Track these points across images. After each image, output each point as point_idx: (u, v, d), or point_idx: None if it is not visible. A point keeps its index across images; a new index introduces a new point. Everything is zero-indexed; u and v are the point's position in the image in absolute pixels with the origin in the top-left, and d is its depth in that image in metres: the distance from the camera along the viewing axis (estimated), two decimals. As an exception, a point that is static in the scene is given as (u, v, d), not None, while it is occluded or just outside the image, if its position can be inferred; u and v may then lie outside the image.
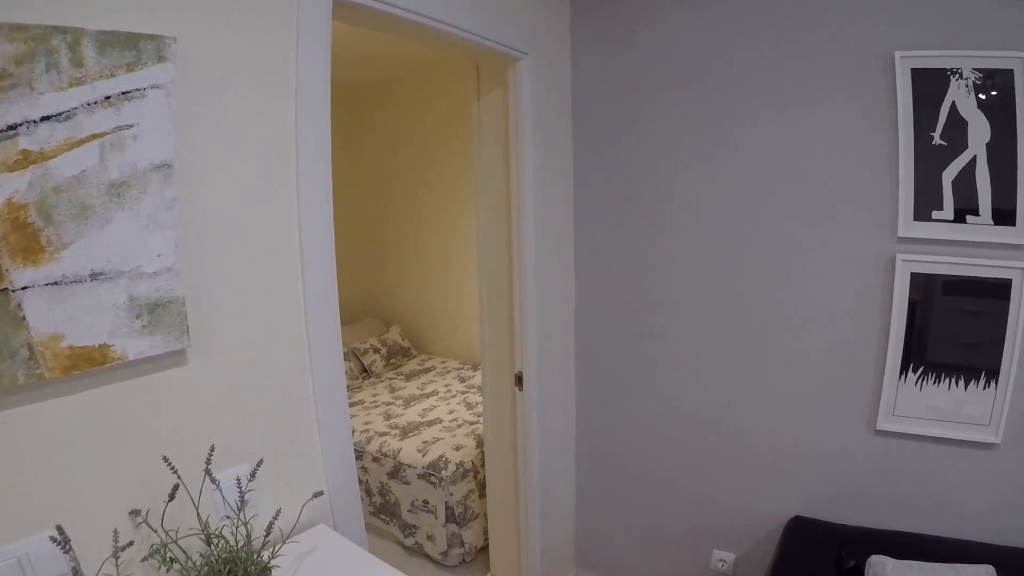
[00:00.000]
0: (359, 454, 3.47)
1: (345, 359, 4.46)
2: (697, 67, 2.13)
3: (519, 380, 2.38)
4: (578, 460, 2.76)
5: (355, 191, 5.43)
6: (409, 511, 3.29)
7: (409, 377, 4.59)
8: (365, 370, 4.72)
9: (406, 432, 3.52)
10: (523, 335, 2.32)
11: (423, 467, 3.18)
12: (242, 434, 1.42)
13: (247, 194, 1.39)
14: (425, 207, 4.90)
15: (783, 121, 2.00)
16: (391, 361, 4.83)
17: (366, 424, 3.69)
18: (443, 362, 4.90)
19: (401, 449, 3.33)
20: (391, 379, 4.57)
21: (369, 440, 3.48)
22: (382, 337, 4.92)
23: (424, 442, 3.37)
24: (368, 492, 3.48)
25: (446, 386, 4.31)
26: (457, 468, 3.15)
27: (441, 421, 3.67)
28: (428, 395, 4.15)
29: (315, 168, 1.51)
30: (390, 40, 3.83)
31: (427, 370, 4.73)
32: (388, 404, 4.02)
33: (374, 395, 4.23)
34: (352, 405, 4.05)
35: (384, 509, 3.42)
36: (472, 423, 3.61)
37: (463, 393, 4.15)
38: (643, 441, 2.51)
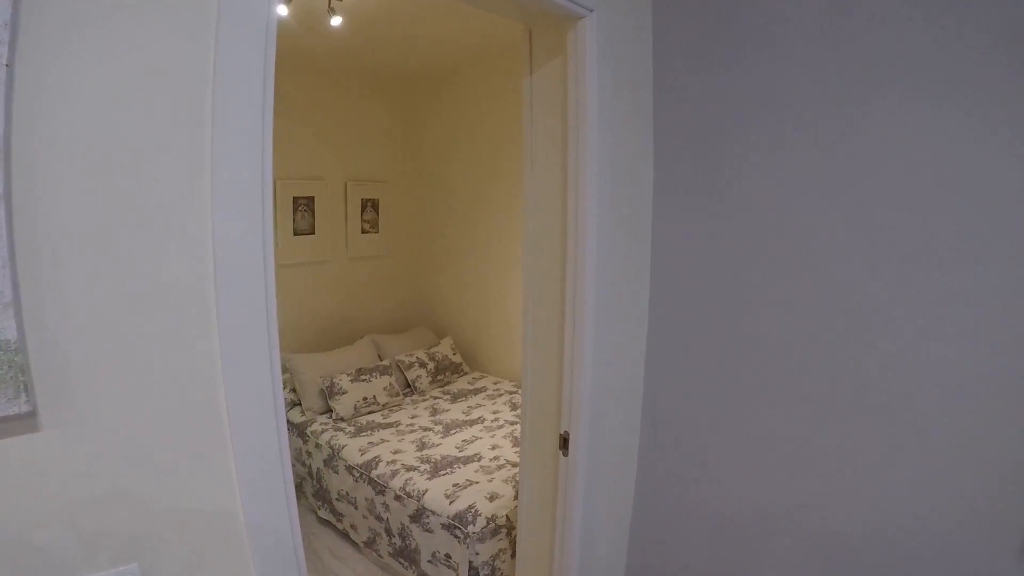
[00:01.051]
0: (380, 488, 3.02)
1: (387, 372, 4.03)
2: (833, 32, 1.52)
3: (564, 443, 1.84)
4: (630, 552, 2.19)
5: (411, 186, 5.03)
6: (429, 562, 2.81)
7: (456, 398, 4.12)
8: (409, 385, 4.28)
9: (437, 469, 3.04)
10: (573, 385, 1.78)
11: (449, 517, 2.69)
12: (121, 525, 0.96)
13: (126, 192, 0.93)
14: (489, 207, 4.43)
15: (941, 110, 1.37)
16: (438, 378, 4.37)
17: (395, 454, 3.23)
18: (496, 383, 4.40)
19: (427, 491, 2.85)
20: (435, 399, 4.12)
21: (394, 475, 3.02)
22: (431, 350, 4.47)
23: (455, 485, 2.88)
24: (388, 532, 3.02)
25: (494, 413, 3.81)
26: (488, 523, 2.64)
27: (480, 459, 3.17)
28: (472, 422, 3.67)
29: (241, 154, 1.03)
30: (443, 20, 3.38)
31: (477, 391, 4.25)
32: (425, 431, 3.56)
33: (412, 417, 3.78)
34: (386, 427, 3.61)
35: (403, 553, 2.95)
36: (515, 465, 3.09)
37: (511, 424, 3.63)
38: (720, 544, 1.92)
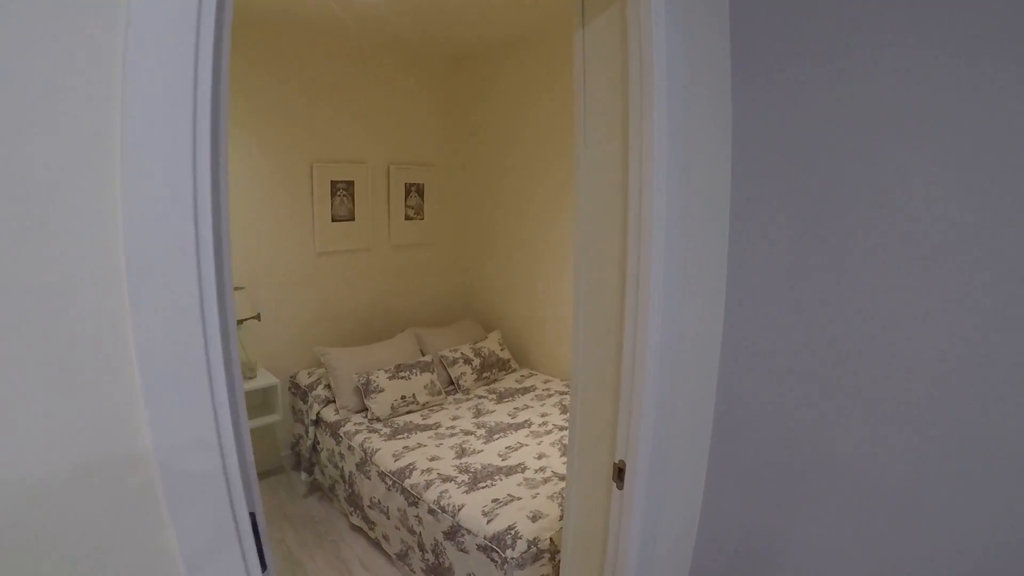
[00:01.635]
0: (414, 500, 2.74)
1: (428, 369, 3.76)
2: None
3: (619, 473, 1.51)
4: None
5: (458, 171, 4.74)
6: (466, 585, 2.52)
7: (502, 397, 3.82)
8: (452, 383, 4.01)
9: (476, 481, 2.75)
10: (633, 405, 1.44)
11: (486, 538, 2.40)
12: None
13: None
14: (543, 194, 4.10)
15: None
16: (484, 375, 4.08)
17: (431, 461, 2.95)
18: (546, 381, 4.09)
19: (463, 506, 2.56)
20: (480, 398, 3.83)
21: (429, 485, 2.74)
22: (477, 345, 4.18)
23: (494, 500, 2.58)
24: (420, 547, 2.74)
25: (542, 417, 3.50)
26: (529, 547, 2.33)
27: (524, 469, 2.87)
28: (518, 426, 3.36)
29: (168, 137, 0.73)
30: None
31: (525, 390, 3.94)
32: (466, 435, 3.27)
33: (454, 419, 3.50)
34: (424, 429, 3.34)
35: (437, 571, 2.67)
36: (563, 479, 2.78)
37: (561, 430, 3.31)
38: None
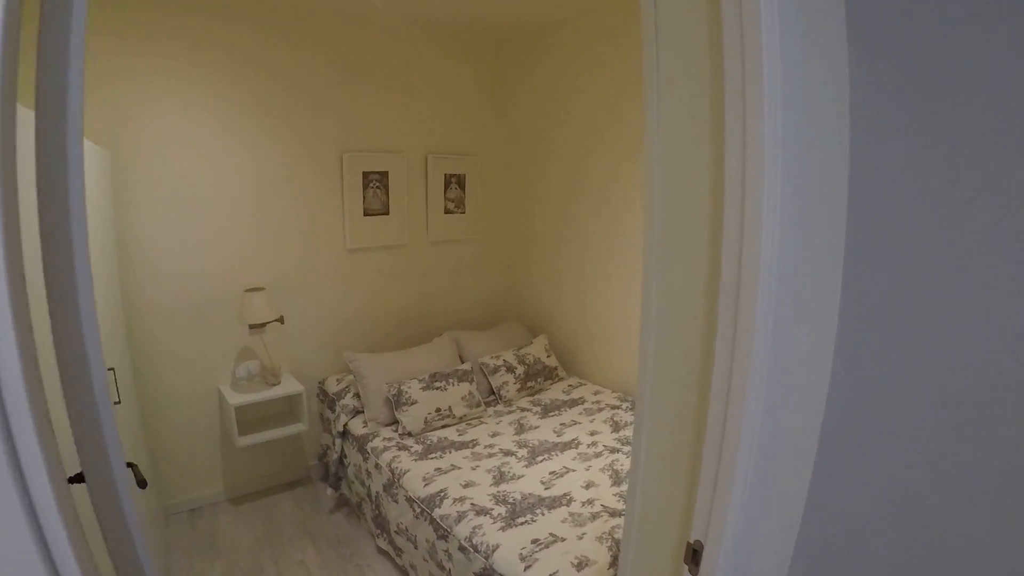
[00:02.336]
0: (443, 533, 2.42)
1: (467, 379, 3.43)
2: None
3: (693, 556, 1.13)
4: None
5: (503, 161, 4.40)
6: (501, 639, 2.19)
7: (547, 411, 3.47)
8: (493, 393, 3.67)
9: (514, 515, 2.41)
10: (720, 472, 1.05)
11: (524, 588, 2.06)
12: None
13: None
14: (591, 188, 3.72)
15: None
16: (528, 384, 3.73)
17: (465, 488, 2.63)
18: (596, 393, 3.71)
19: (499, 547, 2.22)
20: (523, 411, 3.48)
21: (461, 518, 2.42)
22: (521, 351, 3.83)
23: (534, 541, 2.24)
24: (453, 588, 2.42)
25: (591, 436, 3.13)
26: (574, 604, 1.98)
27: (570, 501, 2.52)
28: (564, 447, 3.01)
29: None
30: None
31: (573, 402, 3.58)
32: (507, 455, 2.93)
33: (493, 435, 3.16)
34: (460, 447, 3.02)
35: (471, 619, 2.34)
36: (615, 513, 2.41)
37: (612, 452, 2.94)
38: None
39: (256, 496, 3.69)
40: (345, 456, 3.38)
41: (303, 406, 3.45)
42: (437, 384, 3.31)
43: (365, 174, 3.69)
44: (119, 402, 2.56)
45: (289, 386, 3.45)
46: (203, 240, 3.31)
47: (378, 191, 3.76)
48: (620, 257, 3.58)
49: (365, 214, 3.74)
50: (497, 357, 3.74)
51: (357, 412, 3.40)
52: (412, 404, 3.18)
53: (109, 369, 2.52)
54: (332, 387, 3.62)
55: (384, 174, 3.77)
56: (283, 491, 3.75)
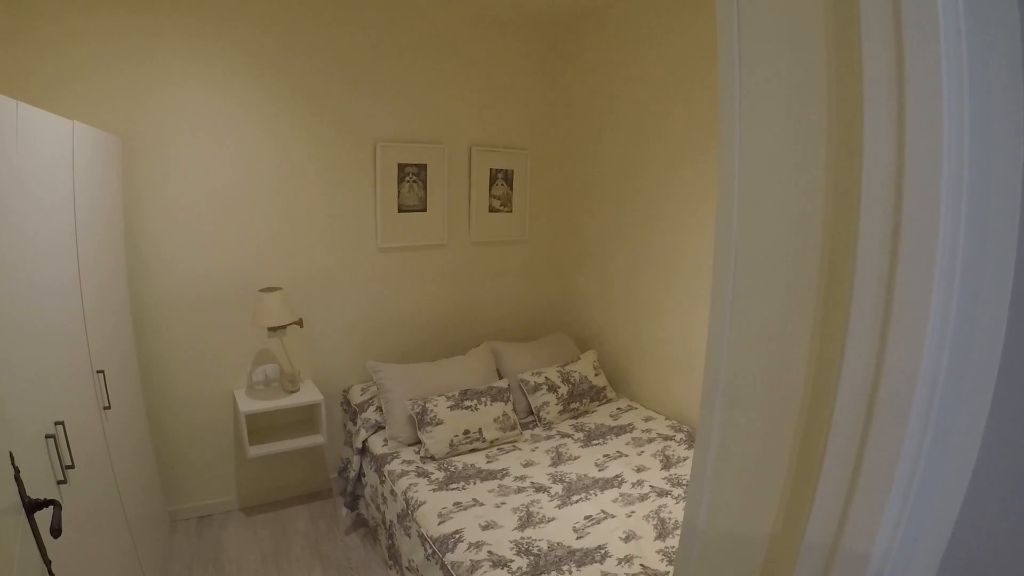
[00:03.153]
0: (455, 587, 2.09)
1: (502, 398, 3.10)
2: None
3: None
4: None
5: (555, 155, 4.04)
6: None
7: (590, 438, 3.10)
8: (532, 413, 3.33)
9: (537, 570, 2.06)
10: (855, 485, 0.67)
11: (539, 672, 1.71)
12: None
13: None
14: (645, 191, 3.33)
15: None
16: (572, 406, 3.37)
17: (485, 529, 2.30)
18: (647, 419, 3.32)
19: (514, 612, 1.88)
20: (564, 436, 3.13)
21: (475, 569, 2.09)
22: (566, 368, 3.47)
23: (557, 609, 1.88)
24: (463, 650, 2.09)
25: (638, 472, 2.75)
26: None
27: (606, 555, 2.16)
28: (605, 484, 2.64)
29: None
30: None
31: (620, 430, 3.20)
32: (538, 491, 2.59)
33: (526, 464, 2.82)
34: (487, 478, 2.71)
35: None
36: (659, 578, 2.04)
37: (660, 495, 2.55)
38: None
39: (270, 507, 3.46)
40: (363, 475, 3.09)
41: (322, 417, 3.18)
42: (468, 403, 2.98)
43: (401, 166, 3.40)
44: (109, 407, 2.35)
45: (308, 395, 3.20)
46: (220, 233, 3.09)
47: (415, 185, 3.47)
48: (679, 269, 3.17)
49: (400, 210, 3.46)
50: (539, 374, 3.39)
51: (379, 428, 3.11)
52: (437, 424, 2.87)
53: (98, 372, 2.30)
54: (356, 397, 3.35)
55: (422, 167, 3.47)
56: (299, 504, 3.51)
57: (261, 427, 3.29)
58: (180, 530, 3.24)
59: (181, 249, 3.02)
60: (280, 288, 3.10)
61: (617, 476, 2.72)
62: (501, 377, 3.43)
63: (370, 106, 3.31)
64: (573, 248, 4.03)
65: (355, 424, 3.24)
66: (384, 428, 3.07)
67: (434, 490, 2.58)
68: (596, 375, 3.56)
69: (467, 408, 2.96)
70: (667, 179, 3.17)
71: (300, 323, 3.19)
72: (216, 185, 3.04)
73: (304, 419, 3.41)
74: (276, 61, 3.06)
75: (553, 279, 4.20)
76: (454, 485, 2.62)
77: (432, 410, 2.90)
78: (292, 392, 3.21)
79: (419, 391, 3.04)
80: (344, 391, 3.48)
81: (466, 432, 2.91)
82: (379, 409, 3.15)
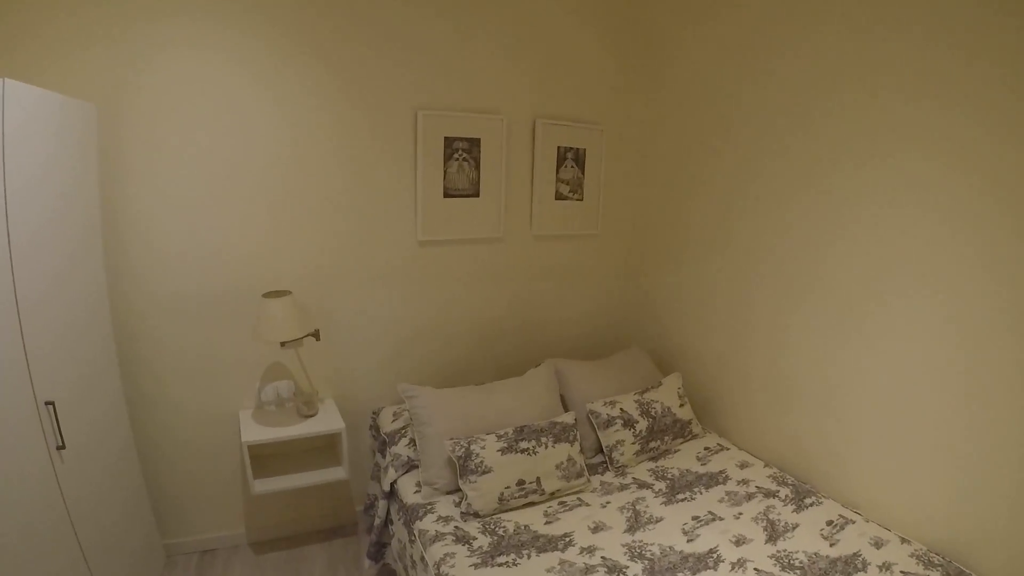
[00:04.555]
0: None
1: (567, 438, 2.49)
2: None
3: None
4: None
5: (639, 133, 3.38)
6: None
7: (674, 490, 2.49)
8: (602, 452, 2.72)
9: None
10: None
11: None
12: None
13: None
14: (775, 188, 2.63)
15: None
16: (651, 445, 2.74)
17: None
18: (743, 465, 2.68)
19: None
20: (642, 487, 2.52)
21: None
22: (646, 397, 2.83)
23: None
24: None
25: (737, 544, 2.12)
26: None
27: None
28: (697, 562, 2.03)
29: None
30: None
31: (711, 479, 2.57)
32: (611, 571, 1.97)
33: (595, 528, 2.23)
34: (544, 549, 2.12)
35: None
36: None
37: (779, 591, 1.92)
38: None
39: (284, 543, 2.98)
40: (391, 522, 2.54)
41: (344, 449, 2.64)
42: (524, 444, 2.38)
43: (448, 141, 2.80)
44: (63, 446, 1.87)
45: (327, 420, 2.66)
46: (222, 222, 2.60)
47: (465, 165, 2.86)
48: (808, 282, 2.49)
49: (446, 195, 2.86)
50: (612, 404, 2.75)
51: (412, 466, 2.55)
52: (484, 473, 2.28)
53: (47, 404, 1.80)
54: (387, 423, 2.79)
55: (474, 142, 2.86)
56: (318, 541, 3.01)
57: (271, 455, 2.78)
58: (179, 565, 2.79)
59: (174, 239, 2.52)
60: (288, 292, 2.55)
61: (712, 552, 2.09)
62: (566, 408, 2.81)
63: (411, 65, 2.74)
64: (654, 246, 3.37)
65: (384, 457, 2.69)
66: (418, 467, 2.50)
67: (476, 565, 1.99)
68: (681, 405, 2.91)
69: (523, 452, 2.36)
70: (809, 174, 2.46)
71: (316, 335, 2.64)
72: (219, 164, 2.54)
73: (324, 445, 2.88)
74: (293, 14, 2.52)
75: (631, 282, 3.56)
76: (502, 559, 2.03)
77: (478, 454, 2.31)
78: (308, 416, 2.67)
79: (463, 426, 2.45)
80: (374, 413, 2.93)
81: (520, 483, 2.32)
82: (412, 443, 2.58)
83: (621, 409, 2.74)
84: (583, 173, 3.20)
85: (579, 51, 3.10)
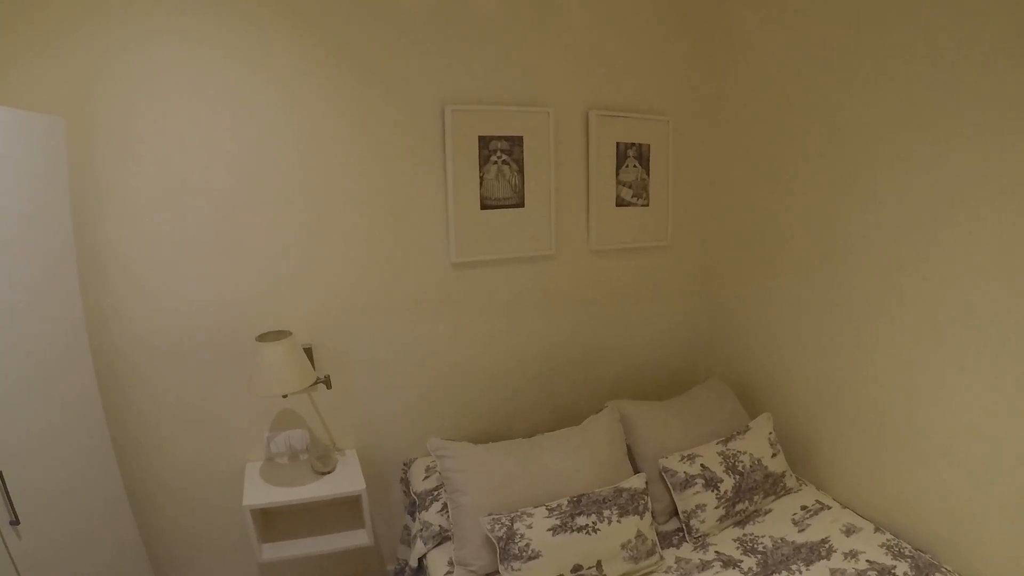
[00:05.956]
0: None
1: (636, 509, 2.04)
2: None
3: None
4: None
5: (714, 126, 2.84)
6: None
7: (768, 568, 2.01)
8: (677, 515, 2.24)
9: None
10: None
11: None
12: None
13: None
14: (895, 186, 2.09)
15: None
16: (738, 508, 2.25)
17: None
18: (848, 530, 2.19)
19: None
20: (728, 565, 2.04)
21: None
22: (730, 447, 2.34)
23: None
24: None
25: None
26: None
27: None
28: None
29: None
30: None
31: (811, 550, 2.09)
32: None
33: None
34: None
35: None
36: None
37: None
38: None
39: (305, 612, 2.60)
40: (423, 598, 2.14)
41: (365, 511, 2.24)
42: (582, 521, 1.93)
43: (484, 140, 2.36)
44: (16, 521, 1.61)
45: (345, 479, 2.27)
46: (220, 248, 2.22)
47: (506, 169, 2.41)
48: (933, 304, 1.96)
49: (484, 206, 2.42)
50: (691, 460, 2.27)
51: (444, 538, 2.13)
52: (531, 559, 1.83)
53: None
54: (418, 479, 2.37)
55: (516, 141, 2.40)
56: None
57: (283, 513, 2.39)
58: None
59: (166, 273, 2.17)
60: (288, 333, 2.14)
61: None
62: (634, 463, 2.34)
63: (438, 52, 2.32)
64: (736, 257, 2.83)
65: (414, 519, 2.28)
66: (451, 540, 2.08)
67: None
68: (773, 455, 2.41)
69: (580, 530, 1.90)
70: (933, 163, 1.93)
71: (327, 382, 2.24)
72: (214, 179, 2.17)
73: (347, 501, 2.48)
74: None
75: (705, 301, 3.04)
76: None
77: (524, 535, 1.86)
78: (324, 473, 2.27)
79: (505, 495, 2.01)
80: (405, 464, 2.52)
81: (577, 569, 1.87)
82: (446, 508, 2.16)
83: (702, 465, 2.25)
84: (648, 173, 2.70)
85: (639, 27, 2.61)
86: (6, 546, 1.60)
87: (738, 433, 2.44)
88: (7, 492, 1.58)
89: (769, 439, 2.44)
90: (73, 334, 1.93)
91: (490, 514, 1.94)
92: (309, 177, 2.27)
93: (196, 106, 2.10)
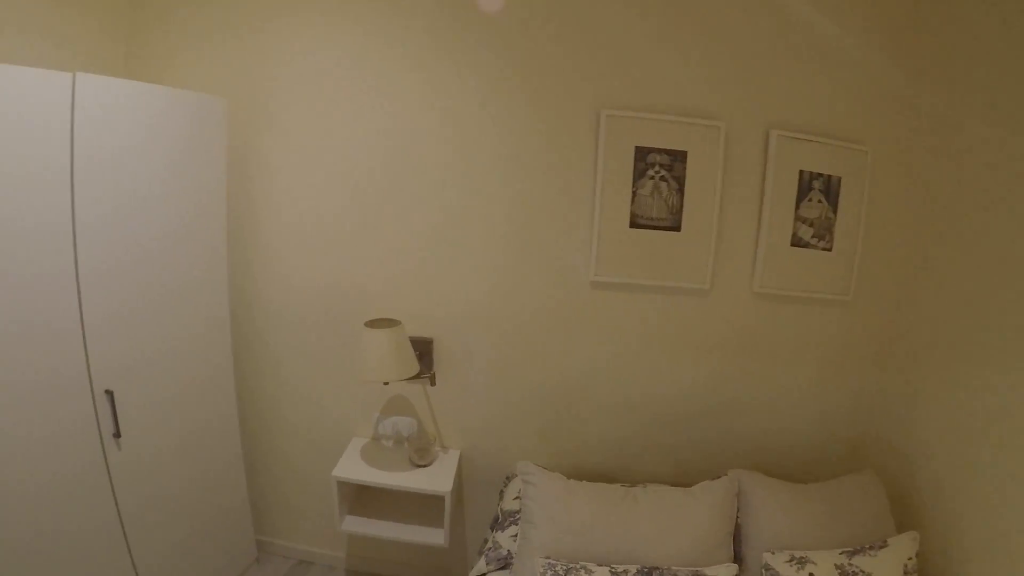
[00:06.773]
0: None
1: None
2: None
3: None
4: None
5: (924, 160, 2.24)
6: None
7: None
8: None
9: None
10: None
11: None
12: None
13: None
14: None
15: None
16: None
17: None
18: None
19: None
20: None
21: None
22: (854, 560, 1.90)
23: None
24: None
25: None
26: None
27: None
28: None
29: None
30: None
31: None
32: None
33: None
34: None
35: None
36: None
37: None
38: None
39: (383, 582, 2.73)
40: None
41: (446, 514, 2.20)
42: (650, 594, 1.71)
43: (641, 152, 2.15)
44: (118, 434, 1.92)
45: (436, 477, 2.25)
46: (361, 239, 2.37)
47: (663, 186, 2.18)
48: None
49: (634, 224, 2.21)
50: (801, 563, 1.89)
51: (508, 563, 2.02)
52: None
53: (106, 392, 1.88)
54: (509, 497, 2.28)
55: (677, 156, 2.16)
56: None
57: (373, 493, 2.46)
58: (270, 564, 2.73)
59: (299, 250, 2.40)
60: (397, 322, 2.14)
61: None
62: (737, 549, 2.02)
63: (595, 52, 2.16)
64: (940, 329, 2.28)
65: (492, 532, 2.19)
66: (510, 568, 1.96)
67: None
68: (922, 588, 1.94)
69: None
70: None
71: (431, 379, 2.20)
72: (357, 171, 2.31)
73: (432, 498, 2.43)
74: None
75: (885, 377, 2.50)
76: None
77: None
78: (419, 466, 2.26)
79: (573, 543, 1.84)
80: (507, 478, 2.43)
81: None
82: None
83: (811, 575, 1.88)
84: (835, 212, 2.29)
85: (835, 32, 2.19)
86: (105, 455, 1.89)
87: (871, 548, 1.97)
88: (115, 407, 1.88)
89: (906, 566, 1.96)
90: (218, 305, 2.27)
91: (547, 557, 1.79)
92: (450, 176, 2.27)
93: (345, 99, 2.27)
